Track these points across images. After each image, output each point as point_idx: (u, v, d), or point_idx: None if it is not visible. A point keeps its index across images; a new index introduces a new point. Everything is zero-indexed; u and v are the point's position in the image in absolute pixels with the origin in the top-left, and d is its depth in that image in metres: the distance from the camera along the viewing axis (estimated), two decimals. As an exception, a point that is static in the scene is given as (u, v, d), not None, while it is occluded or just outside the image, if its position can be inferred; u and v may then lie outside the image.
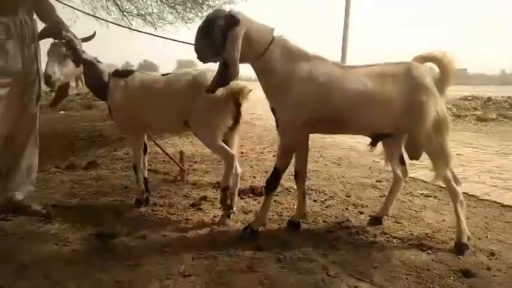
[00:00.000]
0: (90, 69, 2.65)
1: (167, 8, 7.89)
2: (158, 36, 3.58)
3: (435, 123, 2.11)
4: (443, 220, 2.65)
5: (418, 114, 2.09)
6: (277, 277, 1.84)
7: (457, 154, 5.10)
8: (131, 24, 7.89)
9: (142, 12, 7.93)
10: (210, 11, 8.08)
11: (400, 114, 2.11)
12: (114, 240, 2.19)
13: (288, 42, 2.19)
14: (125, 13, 7.83)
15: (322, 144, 5.60)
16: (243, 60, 2.10)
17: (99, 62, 2.69)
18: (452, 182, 2.20)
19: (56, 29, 2.46)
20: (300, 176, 2.46)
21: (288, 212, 2.77)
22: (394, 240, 2.30)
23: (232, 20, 2.05)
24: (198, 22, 8.17)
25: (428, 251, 2.15)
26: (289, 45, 2.18)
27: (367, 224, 2.55)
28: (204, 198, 3.02)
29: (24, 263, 1.93)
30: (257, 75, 2.23)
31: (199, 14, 8.06)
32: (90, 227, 2.38)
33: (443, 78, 2.14)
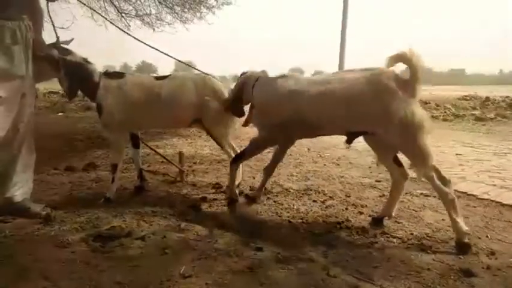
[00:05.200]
0: (78, 69, 2.84)
1: (165, 9, 7.89)
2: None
3: (404, 124, 2.15)
4: (443, 219, 2.65)
5: (383, 116, 2.21)
6: (278, 278, 1.84)
7: (456, 154, 5.12)
8: (129, 25, 7.88)
9: (141, 13, 7.93)
10: (208, 11, 8.13)
11: (365, 115, 2.27)
12: (114, 241, 2.19)
13: (265, 76, 2.80)
14: (123, 14, 7.83)
15: (322, 145, 5.61)
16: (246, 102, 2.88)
17: (88, 62, 2.90)
18: (437, 181, 2.19)
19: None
20: (267, 170, 2.94)
21: (288, 212, 2.77)
22: (394, 240, 2.30)
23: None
24: (196, 23, 8.20)
25: (428, 251, 2.15)
26: (266, 77, 2.79)
27: (368, 224, 2.55)
28: (203, 199, 3.02)
29: (24, 264, 1.92)
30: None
31: (197, 15, 8.07)
32: (89, 229, 2.37)
33: (413, 76, 2.19)
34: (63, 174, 3.77)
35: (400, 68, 2.27)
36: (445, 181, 2.23)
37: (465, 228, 2.18)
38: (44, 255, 2.03)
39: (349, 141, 2.53)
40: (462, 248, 2.14)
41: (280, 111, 2.56)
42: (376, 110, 2.22)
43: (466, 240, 2.16)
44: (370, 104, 2.23)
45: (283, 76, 2.68)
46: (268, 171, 2.94)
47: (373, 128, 2.31)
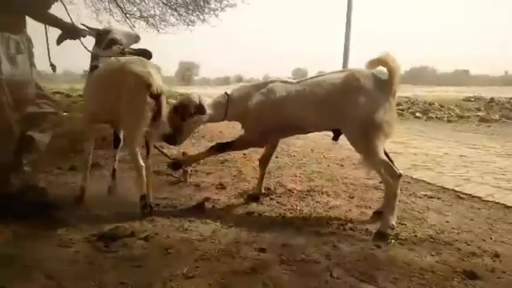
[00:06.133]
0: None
1: (169, 11, 7.93)
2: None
3: (364, 122, 2.36)
4: (447, 221, 2.64)
5: (350, 112, 2.41)
6: (281, 279, 1.83)
7: (460, 155, 5.09)
8: (134, 26, 7.93)
9: (145, 15, 7.98)
10: (211, 13, 8.15)
11: (337, 112, 2.48)
12: (117, 241, 2.19)
13: (239, 90, 2.89)
14: (128, 15, 7.87)
15: (325, 145, 5.60)
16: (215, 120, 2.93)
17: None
18: (384, 175, 2.36)
19: (73, 32, 2.85)
20: (262, 163, 3.10)
21: (291, 213, 2.77)
22: (398, 242, 2.29)
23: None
24: (199, 24, 8.24)
25: (432, 253, 2.14)
26: (241, 91, 2.86)
27: (370, 219, 2.58)
28: (207, 199, 3.02)
29: (27, 264, 1.93)
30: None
31: (201, 17, 8.11)
32: (93, 228, 2.38)
33: (390, 78, 2.38)
34: (67, 174, 3.78)
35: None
36: (394, 176, 2.36)
37: (393, 221, 2.33)
38: (48, 254, 2.03)
39: (335, 138, 2.77)
40: (380, 237, 2.29)
41: (270, 118, 2.72)
42: (346, 106, 2.42)
43: (388, 231, 2.30)
44: (342, 101, 2.44)
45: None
46: (264, 163, 3.09)
47: (343, 123, 2.50)
